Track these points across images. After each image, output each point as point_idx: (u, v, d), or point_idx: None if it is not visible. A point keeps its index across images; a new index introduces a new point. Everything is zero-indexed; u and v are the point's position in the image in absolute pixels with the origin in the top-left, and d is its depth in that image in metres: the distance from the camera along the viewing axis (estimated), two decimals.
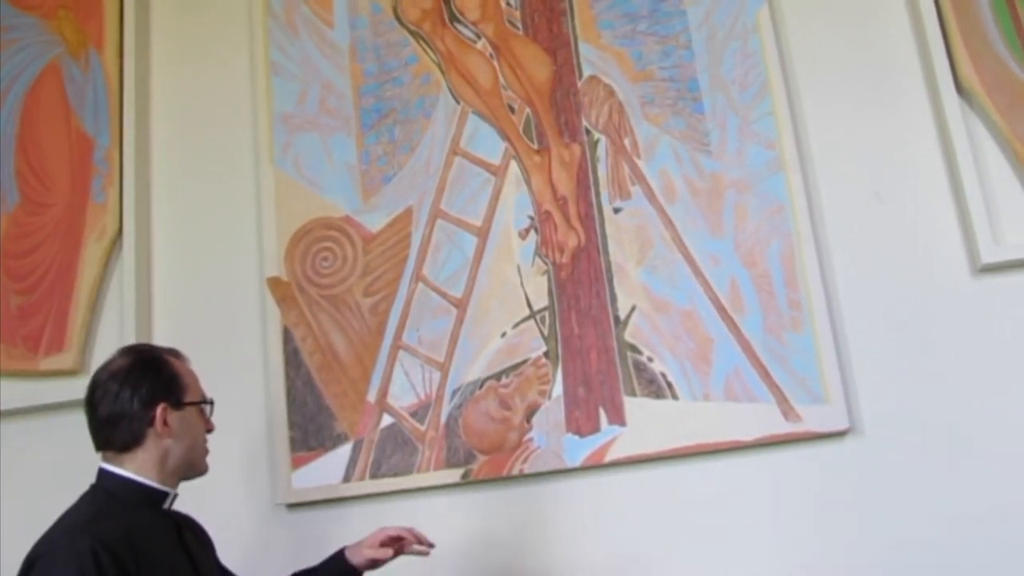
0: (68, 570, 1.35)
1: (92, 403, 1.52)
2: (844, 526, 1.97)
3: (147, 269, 2.37)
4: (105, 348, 2.32)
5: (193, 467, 1.58)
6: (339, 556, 1.75)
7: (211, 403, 1.62)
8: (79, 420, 2.26)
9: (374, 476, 2.12)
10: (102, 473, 1.52)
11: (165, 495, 1.54)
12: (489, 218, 2.23)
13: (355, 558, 1.72)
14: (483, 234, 2.23)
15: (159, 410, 1.51)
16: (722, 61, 2.23)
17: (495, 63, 2.33)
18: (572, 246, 2.18)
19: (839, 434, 2.01)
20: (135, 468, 1.51)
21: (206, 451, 1.60)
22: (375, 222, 2.28)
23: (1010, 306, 2.04)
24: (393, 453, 2.13)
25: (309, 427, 2.16)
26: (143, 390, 1.50)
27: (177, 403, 1.53)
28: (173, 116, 2.48)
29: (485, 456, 2.09)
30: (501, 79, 2.32)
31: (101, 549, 1.36)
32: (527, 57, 2.32)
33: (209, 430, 1.61)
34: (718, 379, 2.05)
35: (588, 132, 2.24)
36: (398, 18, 2.40)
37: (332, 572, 1.74)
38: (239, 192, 2.38)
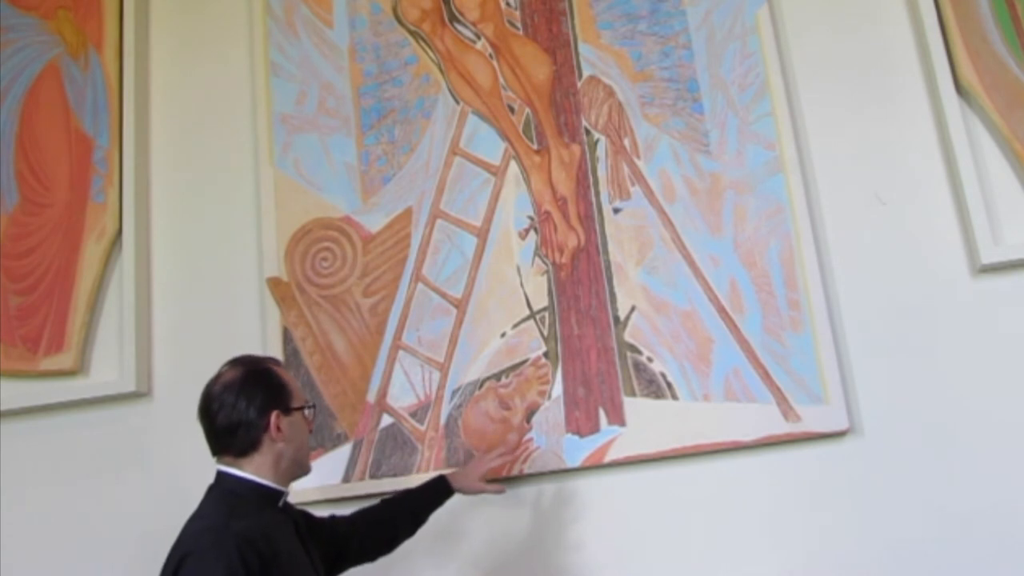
0: (218, 566, 1.43)
1: (209, 414, 1.62)
2: (844, 526, 1.97)
3: (147, 269, 2.37)
4: (105, 348, 2.33)
5: (302, 467, 1.68)
6: (441, 483, 1.90)
7: (313, 407, 1.71)
8: (79, 420, 2.29)
9: (374, 476, 2.12)
10: (221, 475, 1.61)
11: (281, 494, 1.64)
12: (489, 218, 2.23)
13: (460, 485, 1.91)
14: (483, 234, 2.23)
15: (273, 417, 1.61)
16: (722, 61, 2.23)
17: (495, 63, 2.33)
18: (572, 246, 2.18)
19: (839, 434, 2.01)
20: (252, 470, 1.61)
21: (309, 452, 1.72)
22: (375, 222, 2.28)
23: (1010, 306, 2.04)
24: (393, 453, 2.13)
25: None
26: (257, 399, 1.61)
27: (287, 409, 1.64)
28: (173, 116, 2.48)
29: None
30: (501, 79, 2.32)
31: (245, 545, 1.46)
32: (527, 57, 2.32)
33: (311, 431, 1.72)
34: (718, 379, 2.06)
35: (588, 132, 2.24)
36: (398, 18, 2.40)
37: (432, 496, 1.90)
38: (239, 192, 2.38)
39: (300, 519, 1.72)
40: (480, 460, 1.95)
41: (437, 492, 1.90)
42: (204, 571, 1.44)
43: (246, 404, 1.60)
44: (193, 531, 1.52)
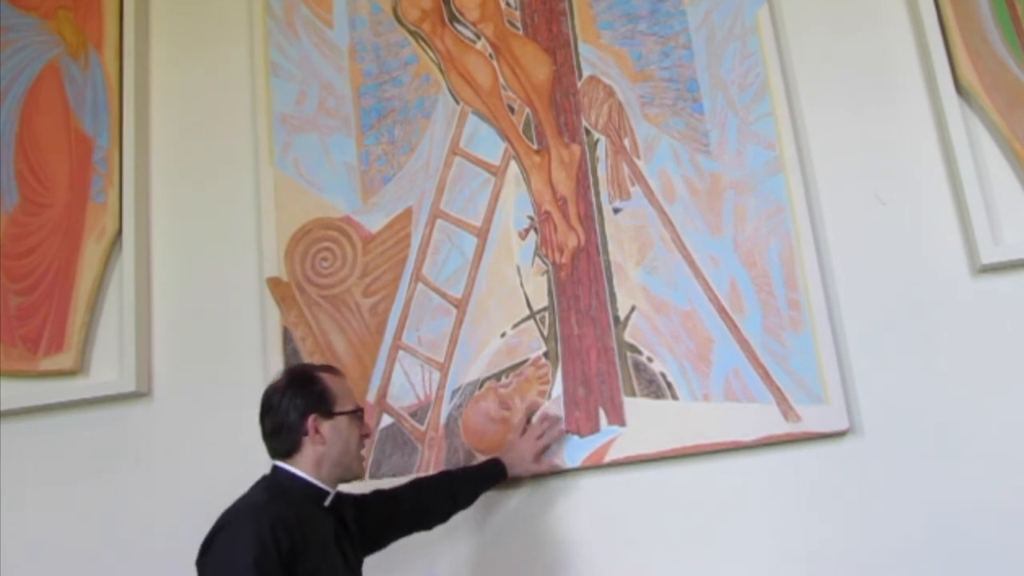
0: (250, 537, 1.52)
1: (262, 416, 1.72)
2: (844, 526, 1.97)
3: (147, 269, 2.37)
4: (105, 348, 2.33)
5: (348, 470, 1.73)
6: (499, 465, 1.98)
7: (361, 410, 1.75)
8: (79, 420, 2.29)
9: (374, 476, 2.12)
10: (275, 468, 1.70)
11: (326, 493, 1.70)
12: (489, 218, 2.23)
13: (516, 471, 2.00)
14: (483, 234, 2.23)
15: (311, 420, 1.68)
16: (721, 61, 2.23)
17: (495, 63, 2.33)
18: (572, 246, 2.18)
19: (839, 434, 2.01)
20: (299, 468, 1.69)
21: (360, 456, 1.74)
22: (374, 222, 2.28)
23: (1010, 306, 2.04)
24: (393, 453, 2.13)
25: None
26: (298, 403, 1.68)
27: (328, 413, 1.69)
28: (173, 116, 2.48)
29: (485, 456, 2.09)
30: (501, 79, 2.32)
31: (279, 525, 1.54)
32: (527, 57, 2.32)
33: (365, 435, 1.76)
34: (718, 379, 2.05)
35: (588, 132, 2.24)
36: (398, 18, 2.40)
37: (490, 475, 1.99)
38: (239, 192, 2.38)
39: (349, 511, 1.78)
40: (524, 443, 2.02)
41: (495, 473, 1.99)
42: (237, 540, 1.53)
43: (287, 407, 1.68)
44: (233, 509, 1.62)
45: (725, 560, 1.99)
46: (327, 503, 1.70)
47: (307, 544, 1.58)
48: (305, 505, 1.65)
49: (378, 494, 1.90)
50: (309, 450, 1.67)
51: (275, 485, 1.67)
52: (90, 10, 2.52)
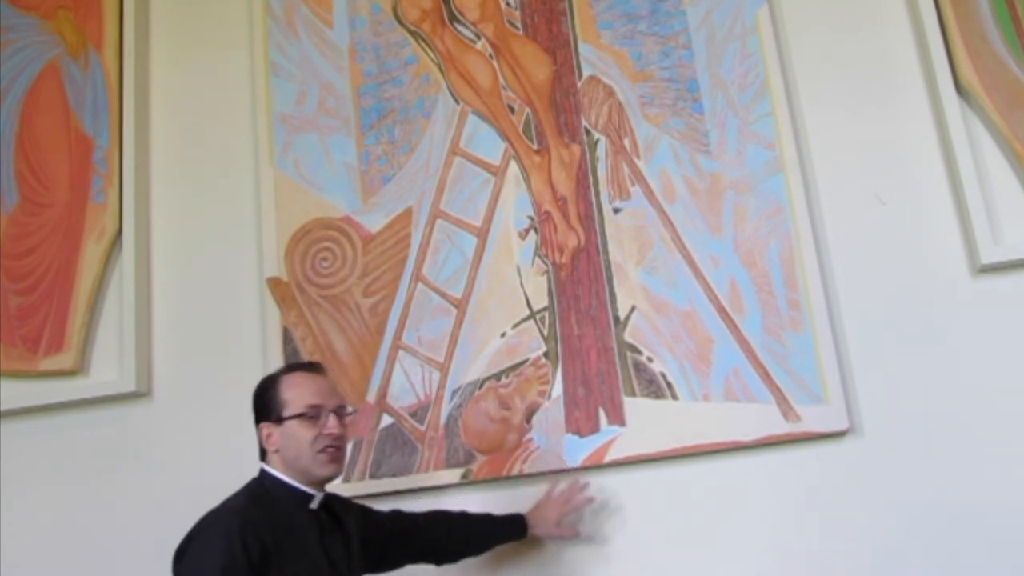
0: (220, 546, 1.53)
1: None
2: (843, 526, 1.97)
3: (147, 269, 2.37)
4: (105, 348, 2.33)
5: (308, 473, 1.68)
6: (520, 522, 1.97)
7: (314, 408, 1.69)
8: (79, 420, 2.29)
9: (374, 476, 2.12)
10: (262, 470, 1.71)
11: (310, 496, 1.69)
12: (489, 218, 2.23)
13: (537, 531, 1.98)
14: (483, 234, 2.23)
15: (263, 429, 1.71)
16: (721, 61, 2.23)
17: (495, 63, 2.33)
18: (572, 246, 2.18)
19: (839, 434, 2.01)
20: (277, 471, 1.70)
21: (319, 457, 1.68)
22: (375, 222, 2.28)
23: (1010, 306, 2.04)
24: (393, 453, 2.13)
25: None
26: (254, 413, 1.73)
27: (277, 420, 1.69)
28: (173, 116, 2.48)
29: (485, 456, 2.09)
30: (501, 79, 2.32)
31: (249, 531, 1.55)
32: (527, 57, 2.32)
33: (328, 432, 1.69)
34: (718, 379, 2.05)
35: (588, 132, 2.24)
36: (398, 18, 2.40)
37: (510, 529, 1.97)
38: (239, 192, 2.38)
39: (352, 518, 1.78)
40: (550, 505, 1.99)
41: (515, 528, 1.97)
42: (207, 548, 1.54)
43: (254, 418, 1.72)
44: (209, 514, 1.62)
45: (725, 560, 1.99)
46: (313, 505, 1.69)
47: (281, 549, 1.58)
48: (286, 508, 1.66)
49: (395, 514, 1.91)
50: (274, 458, 1.69)
51: (260, 487, 1.69)
52: (90, 10, 2.52)
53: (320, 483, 1.71)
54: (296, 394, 1.70)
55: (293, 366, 1.81)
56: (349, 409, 1.77)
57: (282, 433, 1.68)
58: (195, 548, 1.56)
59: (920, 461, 1.98)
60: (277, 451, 1.69)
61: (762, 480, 2.02)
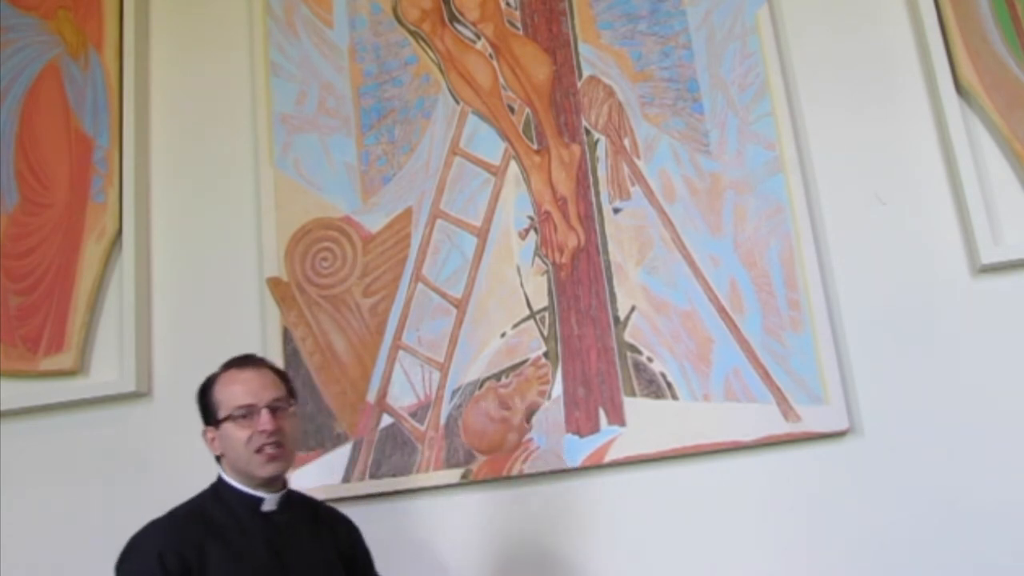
0: (136, 565, 1.56)
1: None
2: (843, 526, 1.97)
3: (147, 269, 2.37)
4: (105, 348, 2.33)
5: (248, 476, 1.66)
6: None
7: (245, 407, 1.65)
8: (78, 420, 2.29)
9: (374, 476, 2.12)
10: (218, 475, 1.69)
11: (259, 499, 1.66)
12: (489, 218, 2.23)
13: None
14: (483, 234, 2.23)
15: (207, 435, 1.69)
16: (721, 61, 2.23)
17: (495, 63, 2.33)
18: (572, 246, 2.18)
19: (839, 434, 2.01)
20: (228, 475, 1.69)
21: (256, 458, 1.64)
22: (374, 222, 2.28)
23: (1010, 306, 2.04)
24: (393, 453, 2.13)
25: (308, 427, 2.16)
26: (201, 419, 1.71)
27: (215, 423, 1.67)
28: (173, 116, 2.48)
29: (485, 456, 2.09)
30: (501, 79, 2.32)
31: (170, 545, 1.56)
32: (527, 57, 2.32)
33: (263, 431, 1.64)
34: (718, 379, 2.05)
35: (588, 132, 2.24)
36: (398, 18, 2.40)
37: None
38: (239, 192, 2.38)
39: (337, 527, 1.76)
40: None
41: None
42: (126, 568, 1.57)
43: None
44: (151, 523, 1.63)
45: (725, 560, 1.99)
46: (266, 508, 1.66)
47: (210, 558, 1.57)
48: (237, 512, 1.64)
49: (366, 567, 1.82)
50: (223, 462, 1.68)
51: (213, 492, 1.68)
52: (90, 10, 2.52)
53: (267, 484, 1.67)
54: (226, 395, 1.67)
55: (228, 363, 1.74)
56: (283, 402, 1.69)
57: (221, 436, 1.66)
58: (120, 566, 1.58)
59: (920, 461, 1.98)
60: (221, 454, 1.67)
61: (762, 480, 2.02)
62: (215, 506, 1.65)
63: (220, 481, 1.68)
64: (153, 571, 1.52)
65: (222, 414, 1.65)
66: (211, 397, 1.69)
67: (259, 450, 1.63)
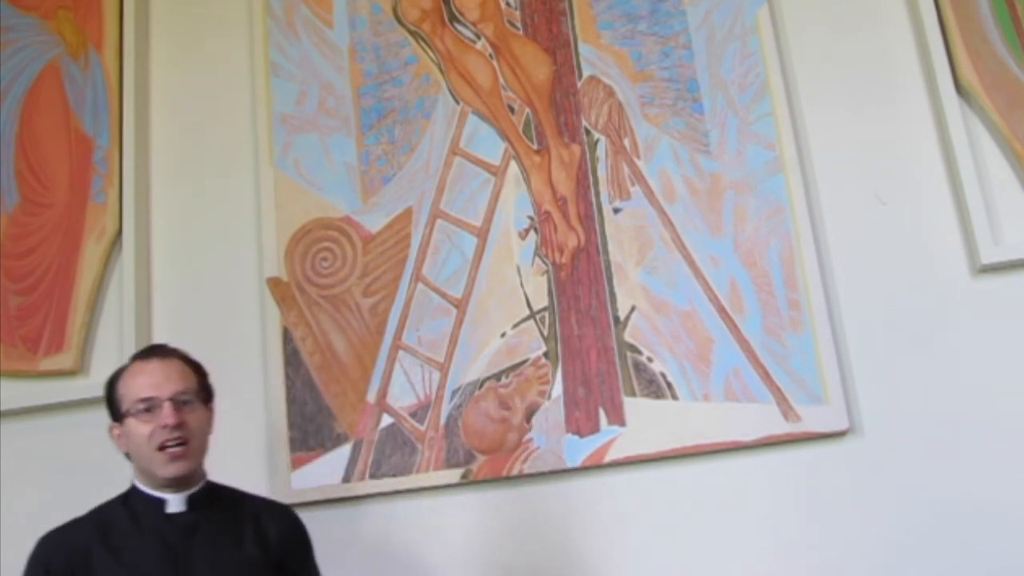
0: (27, 570, 1.59)
1: None
2: (843, 526, 1.97)
3: (147, 269, 2.37)
4: (105, 348, 2.33)
5: (150, 476, 1.60)
6: None
7: (145, 401, 1.57)
8: (79, 420, 2.29)
9: (374, 476, 2.12)
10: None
11: (161, 501, 1.60)
12: (489, 218, 2.23)
13: None
14: (483, 234, 2.23)
15: (112, 431, 1.63)
16: (721, 61, 2.23)
17: (495, 63, 2.33)
18: (572, 246, 2.18)
19: (838, 434, 2.01)
20: (135, 477, 1.65)
21: (157, 457, 1.57)
22: (374, 222, 2.28)
23: (1010, 306, 2.04)
24: (393, 453, 2.13)
25: (309, 427, 2.16)
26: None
27: (120, 419, 1.61)
28: (173, 116, 2.48)
29: (485, 456, 2.09)
30: (501, 79, 2.32)
31: (57, 555, 1.56)
32: (527, 57, 2.32)
33: (164, 426, 1.56)
34: (718, 379, 2.05)
35: (588, 132, 2.24)
36: (398, 18, 2.40)
37: None
38: (239, 192, 2.38)
39: (269, 524, 1.66)
40: None
41: None
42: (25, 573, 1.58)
43: None
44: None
45: (725, 560, 1.99)
46: (170, 509, 1.59)
47: (91, 567, 1.53)
48: (136, 516, 1.59)
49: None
50: (132, 460, 1.62)
51: (124, 496, 1.64)
52: (90, 10, 2.51)
53: (173, 484, 1.59)
54: (129, 388, 1.60)
55: (135, 355, 1.68)
56: (190, 395, 1.61)
57: (124, 432, 1.59)
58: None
59: (920, 461, 1.98)
60: (125, 451, 1.61)
61: (762, 480, 2.02)
62: (118, 510, 1.60)
63: (132, 484, 1.64)
64: (38, 571, 1.52)
65: (124, 408, 1.58)
66: (116, 390, 1.62)
67: (161, 447, 1.56)
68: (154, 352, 1.65)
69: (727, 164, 2.17)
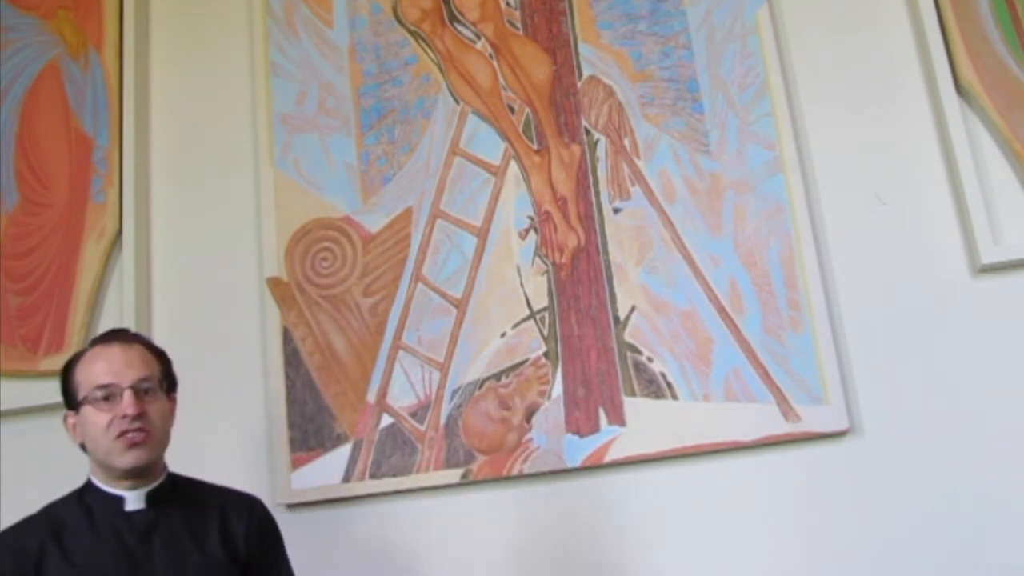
0: None
1: None
2: (843, 526, 1.97)
3: (147, 269, 2.37)
4: None
5: (108, 468, 1.50)
6: None
7: (102, 388, 1.48)
8: None
9: (374, 476, 2.12)
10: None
11: (119, 499, 1.51)
12: (489, 218, 2.23)
13: None
14: (483, 234, 2.23)
15: (67, 420, 1.54)
16: (721, 61, 2.23)
17: (494, 63, 2.33)
18: (572, 246, 2.18)
19: (838, 434, 2.01)
20: (91, 472, 1.56)
21: (116, 445, 1.47)
22: (374, 222, 2.28)
23: (1010, 306, 2.04)
24: (393, 453, 2.13)
25: (309, 427, 2.16)
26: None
27: (75, 407, 1.52)
28: (173, 116, 2.48)
29: (485, 456, 2.09)
30: (501, 79, 2.32)
31: (1, 559, 1.45)
32: (527, 57, 2.32)
33: (124, 416, 1.47)
34: (718, 379, 2.05)
35: (588, 132, 2.24)
36: (398, 18, 2.40)
37: None
38: (239, 192, 2.38)
39: (235, 519, 1.57)
40: None
41: None
42: None
43: None
44: None
45: (725, 560, 1.99)
46: (129, 507, 1.50)
47: (43, 569, 1.44)
48: (91, 515, 1.50)
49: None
50: (88, 452, 1.52)
51: (79, 492, 1.54)
52: (90, 10, 2.51)
53: (132, 477, 1.50)
54: (87, 374, 1.49)
55: (94, 340, 1.57)
56: (152, 383, 1.51)
57: (80, 421, 1.49)
58: None
59: (920, 461, 1.98)
60: (81, 442, 1.51)
61: (762, 480, 2.02)
62: (72, 508, 1.51)
63: (88, 479, 1.54)
64: None
65: (81, 395, 1.48)
66: (72, 376, 1.51)
67: (120, 436, 1.46)
68: (115, 336, 1.54)
69: (727, 164, 2.17)
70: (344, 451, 2.14)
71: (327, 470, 2.13)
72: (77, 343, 2.30)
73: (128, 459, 1.47)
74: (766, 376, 2.04)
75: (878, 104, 2.18)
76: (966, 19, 2.16)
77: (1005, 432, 1.97)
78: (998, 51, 2.14)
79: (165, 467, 1.60)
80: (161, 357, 1.59)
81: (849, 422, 2.00)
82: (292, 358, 2.21)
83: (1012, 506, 1.93)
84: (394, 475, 2.11)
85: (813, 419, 2.00)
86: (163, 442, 1.56)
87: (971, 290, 2.05)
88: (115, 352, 1.50)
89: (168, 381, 1.58)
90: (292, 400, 2.18)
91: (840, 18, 2.25)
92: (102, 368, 1.49)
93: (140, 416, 1.47)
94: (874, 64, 2.21)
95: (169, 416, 1.59)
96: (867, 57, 2.21)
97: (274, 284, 2.27)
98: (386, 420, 2.15)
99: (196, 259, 2.36)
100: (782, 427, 2.01)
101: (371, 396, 2.17)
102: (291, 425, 2.17)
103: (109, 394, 1.47)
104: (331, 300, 2.25)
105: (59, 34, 2.52)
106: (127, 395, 1.47)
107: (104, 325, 2.34)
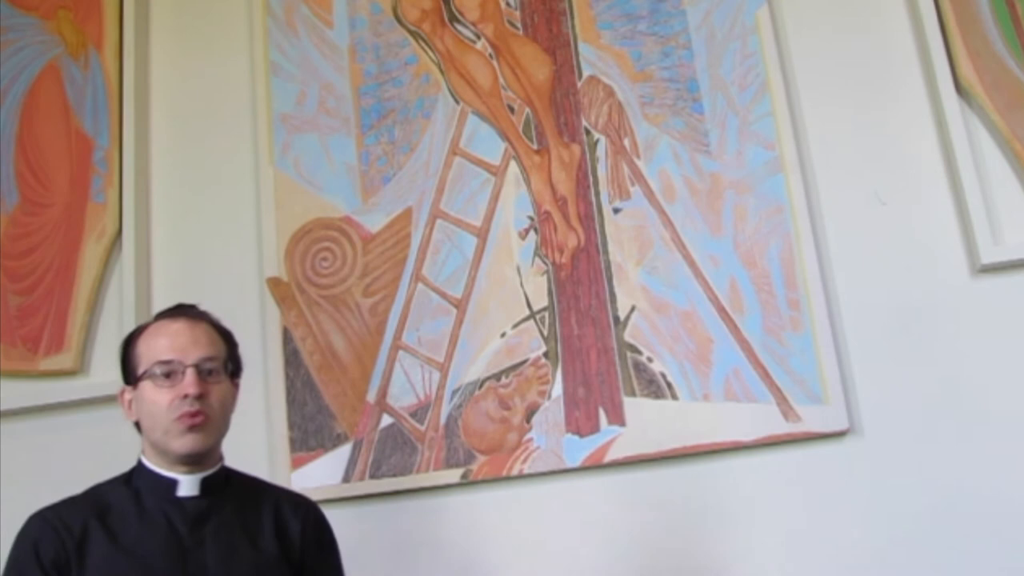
0: (16, 548, 1.40)
1: None
2: (844, 526, 1.97)
3: (147, 269, 2.37)
4: (105, 348, 2.32)
5: (163, 450, 1.41)
6: None
7: (164, 364, 1.40)
8: (79, 420, 2.29)
9: (374, 476, 2.12)
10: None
11: (172, 482, 1.42)
12: (489, 218, 2.23)
13: None
14: (483, 234, 2.23)
15: (122, 396, 1.47)
16: (721, 61, 2.23)
17: (494, 63, 2.33)
18: (572, 246, 2.18)
19: (838, 434, 2.01)
20: (143, 454, 1.48)
21: (174, 427, 1.39)
22: (374, 222, 2.28)
23: (1010, 306, 2.04)
24: (393, 453, 2.13)
25: (309, 427, 2.16)
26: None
27: (134, 382, 1.43)
28: (173, 116, 2.48)
29: (485, 456, 2.09)
30: (500, 79, 2.32)
31: (47, 534, 1.38)
32: (527, 57, 2.32)
33: (185, 395, 1.38)
34: (717, 379, 2.05)
35: (588, 132, 2.24)
36: (398, 18, 2.40)
37: None
38: (239, 192, 2.38)
39: (276, 513, 1.48)
40: None
41: None
42: (12, 548, 1.41)
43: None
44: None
45: (725, 560, 1.99)
46: (181, 493, 1.41)
47: (86, 551, 1.35)
48: (140, 498, 1.42)
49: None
50: (142, 432, 1.44)
51: (128, 473, 1.46)
52: (90, 10, 2.51)
53: (187, 462, 1.41)
54: (149, 347, 1.41)
55: (160, 313, 1.49)
56: (217, 364, 1.42)
57: (138, 397, 1.41)
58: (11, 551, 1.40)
59: (920, 461, 1.98)
60: (136, 421, 1.43)
61: (761, 480, 2.02)
62: (120, 489, 1.43)
63: (138, 461, 1.46)
64: (28, 562, 1.34)
65: (141, 369, 1.39)
66: (132, 349, 1.43)
67: (179, 417, 1.38)
68: (182, 311, 1.46)
69: (727, 164, 2.17)
70: (344, 451, 2.14)
71: (327, 470, 2.13)
72: (77, 343, 2.30)
73: (185, 443, 1.39)
74: (766, 376, 2.04)
75: (878, 104, 2.18)
76: (966, 19, 2.16)
77: (1005, 432, 1.97)
78: (998, 51, 2.14)
79: (221, 456, 1.51)
80: (228, 338, 1.52)
81: (849, 422, 2.00)
82: (292, 358, 2.21)
83: (1012, 506, 1.93)
84: (394, 475, 2.11)
85: (813, 419, 2.00)
86: (222, 429, 1.47)
87: (971, 290, 2.05)
88: (180, 327, 1.43)
89: (234, 364, 1.50)
90: (292, 400, 2.18)
91: (840, 18, 2.25)
92: (165, 344, 1.40)
93: (201, 397, 1.38)
94: (874, 64, 2.21)
95: (231, 401, 1.49)
96: (867, 57, 2.21)
97: (274, 284, 2.27)
98: (386, 420, 2.15)
99: (196, 259, 2.36)
100: (782, 427, 2.01)
101: (371, 396, 2.17)
102: (291, 425, 2.17)
103: (170, 371, 1.39)
104: (331, 300, 2.25)
105: (59, 34, 2.52)
106: (189, 373, 1.38)
107: (104, 325, 2.34)
